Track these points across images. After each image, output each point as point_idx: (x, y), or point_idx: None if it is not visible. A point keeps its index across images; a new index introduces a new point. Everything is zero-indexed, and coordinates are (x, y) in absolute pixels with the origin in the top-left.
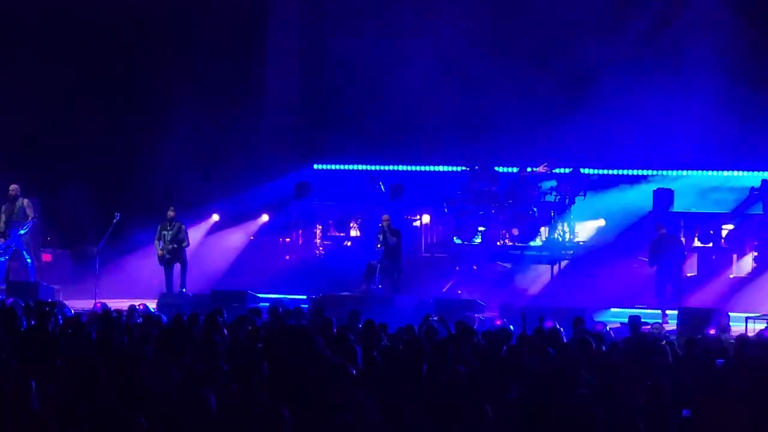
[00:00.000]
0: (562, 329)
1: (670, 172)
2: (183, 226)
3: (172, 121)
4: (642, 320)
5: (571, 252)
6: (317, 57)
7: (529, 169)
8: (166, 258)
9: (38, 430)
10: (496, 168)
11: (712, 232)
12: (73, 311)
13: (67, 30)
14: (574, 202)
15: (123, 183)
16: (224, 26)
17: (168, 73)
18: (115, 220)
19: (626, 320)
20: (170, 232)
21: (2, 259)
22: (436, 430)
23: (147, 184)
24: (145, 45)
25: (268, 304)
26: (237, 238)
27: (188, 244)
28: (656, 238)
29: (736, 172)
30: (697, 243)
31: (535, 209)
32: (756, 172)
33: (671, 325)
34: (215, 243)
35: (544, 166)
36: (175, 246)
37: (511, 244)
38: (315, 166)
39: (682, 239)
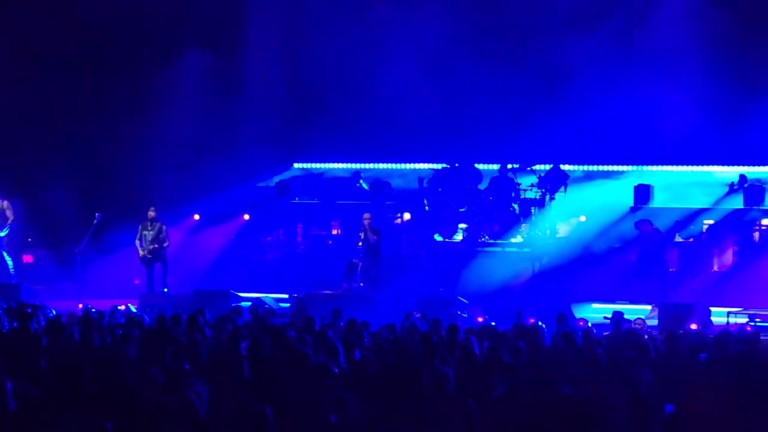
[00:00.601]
0: (544, 326)
1: (649, 167)
2: (164, 227)
3: (153, 122)
4: (624, 316)
5: (552, 248)
6: (297, 55)
7: (509, 166)
8: (147, 258)
9: (14, 430)
10: (476, 165)
11: (692, 227)
12: (54, 312)
13: (49, 30)
14: (554, 199)
15: (104, 184)
16: (204, 26)
17: (148, 73)
18: (96, 221)
19: (608, 315)
20: (151, 232)
21: None
22: (421, 428)
23: (128, 185)
24: (126, 45)
25: (249, 303)
26: (218, 237)
27: (169, 244)
28: (640, 234)
29: (715, 167)
30: (677, 238)
31: (515, 206)
32: (735, 167)
33: (653, 319)
34: (197, 243)
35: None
36: (156, 246)
37: (492, 240)
38: (296, 165)
39: (664, 234)
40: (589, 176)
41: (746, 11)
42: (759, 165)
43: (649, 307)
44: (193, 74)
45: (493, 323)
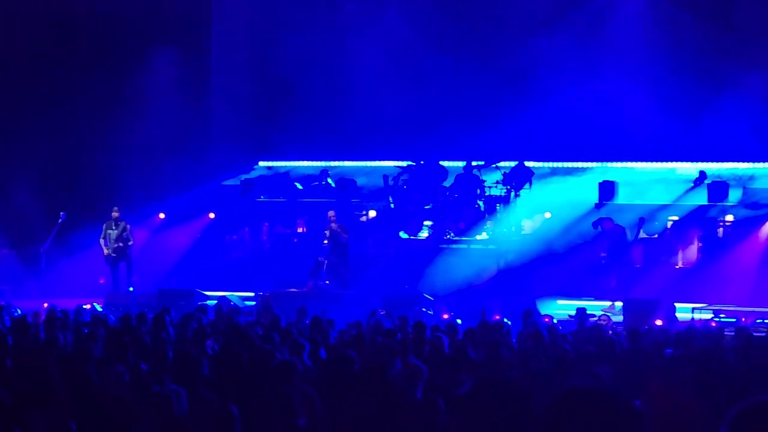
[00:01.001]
0: (510, 322)
1: (613, 164)
2: (128, 225)
3: (119, 120)
4: (589, 312)
5: (518, 245)
6: (264, 54)
7: (474, 163)
8: (112, 257)
9: None
10: (441, 162)
11: (656, 223)
12: (20, 312)
13: (11, 29)
14: (519, 195)
15: (69, 183)
16: (170, 25)
17: (114, 72)
18: (60, 220)
19: (573, 312)
20: (115, 231)
21: None
22: (387, 424)
23: (93, 184)
24: (90, 43)
25: (215, 301)
26: (184, 236)
27: (133, 243)
28: (603, 232)
29: (677, 164)
30: (642, 234)
31: (480, 203)
32: (696, 164)
33: (618, 315)
34: (162, 241)
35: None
36: (121, 245)
37: (457, 238)
38: (261, 163)
39: (627, 230)
40: (553, 173)
41: (706, 9)
42: (720, 161)
43: (609, 303)
44: (159, 73)
45: (458, 320)
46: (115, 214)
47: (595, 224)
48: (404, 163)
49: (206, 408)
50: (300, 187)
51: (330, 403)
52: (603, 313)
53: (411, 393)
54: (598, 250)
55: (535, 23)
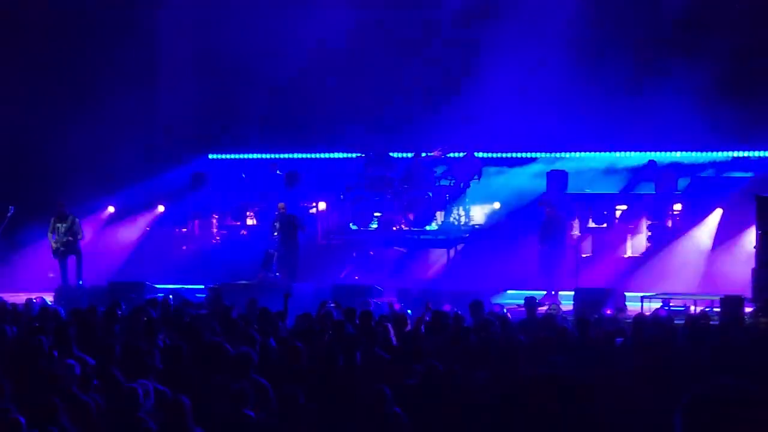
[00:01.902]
0: (460, 312)
1: (563, 154)
2: (77, 219)
3: (66, 112)
4: (538, 301)
5: (467, 235)
6: (212, 45)
7: (423, 154)
8: (60, 251)
9: None
10: (390, 154)
11: (605, 212)
12: None
13: None
14: (468, 186)
15: (15, 176)
16: (117, 13)
17: (59, 64)
18: (9, 214)
19: (521, 303)
20: (64, 225)
21: None
22: (336, 415)
23: (41, 177)
24: (36, 34)
25: (165, 294)
26: (133, 229)
27: (83, 237)
28: (544, 220)
29: (626, 153)
30: (591, 224)
31: (430, 194)
32: (645, 153)
33: (568, 305)
34: (111, 235)
35: (438, 151)
36: (70, 238)
37: (407, 228)
38: (210, 156)
39: (574, 221)
40: (502, 163)
41: None
42: (668, 150)
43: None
44: (105, 64)
45: (408, 311)
46: (62, 209)
47: (539, 202)
48: (354, 155)
49: (158, 400)
50: (243, 176)
51: (285, 395)
52: (554, 303)
53: (373, 383)
54: (540, 237)
55: (481, 10)
